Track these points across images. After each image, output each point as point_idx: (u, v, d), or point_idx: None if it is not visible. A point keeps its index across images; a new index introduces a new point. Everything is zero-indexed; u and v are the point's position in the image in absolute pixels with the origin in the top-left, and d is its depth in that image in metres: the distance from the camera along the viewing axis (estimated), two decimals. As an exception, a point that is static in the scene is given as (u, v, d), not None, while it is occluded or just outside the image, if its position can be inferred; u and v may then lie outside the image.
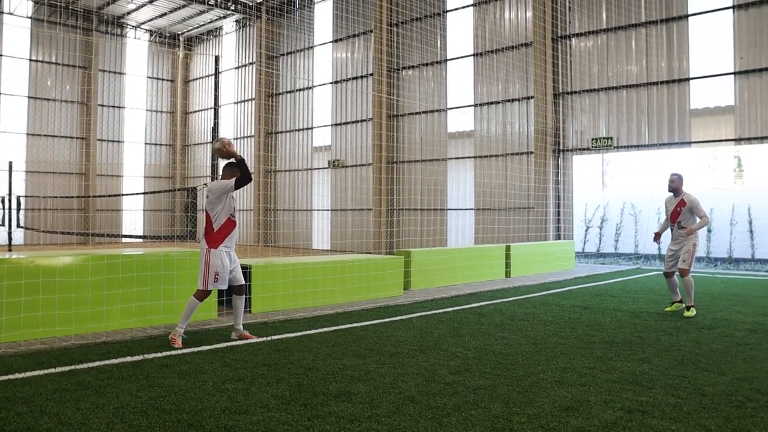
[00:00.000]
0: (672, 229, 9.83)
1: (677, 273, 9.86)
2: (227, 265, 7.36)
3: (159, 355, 6.64)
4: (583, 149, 21.64)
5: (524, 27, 22.76)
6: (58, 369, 5.97)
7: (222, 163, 7.77)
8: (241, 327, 7.64)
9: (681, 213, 9.63)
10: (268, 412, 4.71)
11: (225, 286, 7.39)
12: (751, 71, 18.41)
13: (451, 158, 25.15)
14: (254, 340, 7.47)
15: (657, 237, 10.07)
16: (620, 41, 20.85)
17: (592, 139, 21.25)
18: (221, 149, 7.39)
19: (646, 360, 6.48)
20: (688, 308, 9.53)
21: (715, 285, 13.88)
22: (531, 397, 5.12)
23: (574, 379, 5.72)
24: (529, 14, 22.42)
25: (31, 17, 30.86)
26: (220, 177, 7.60)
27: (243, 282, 7.62)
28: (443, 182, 25.10)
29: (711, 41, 19.19)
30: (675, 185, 9.69)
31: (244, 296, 7.66)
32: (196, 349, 6.94)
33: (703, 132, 19.38)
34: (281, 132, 31.96)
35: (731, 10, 18.76)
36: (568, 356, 6.66)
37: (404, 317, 9.37)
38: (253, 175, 32.30)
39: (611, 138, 20.84)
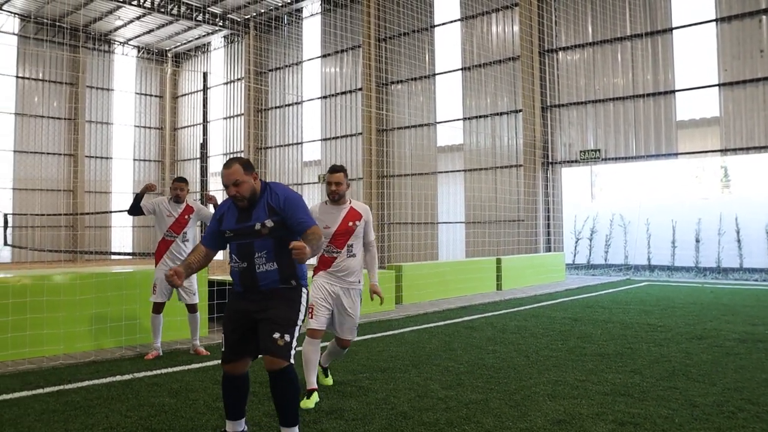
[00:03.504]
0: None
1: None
2: (164, 279, 7.38)
3: (149, 373, 6.59)
4: (572, 161, 21.75)
5: (511, 41, 22.93)
6: (47, 389, 5.91)
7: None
8: (197, 342, 7.81)
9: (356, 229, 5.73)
10: (260, 430, 4.68)
11: (161, 299, 7.48)
12: (735, 83, 18.59)
13: (441, 172, 25.21)
14: (203, 354, 7.64)
15: None
16: (606, 54, 21.02)
17: (581, 152, 21.36)
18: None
19: (638, 371, 6.48)
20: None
21: (705, 295, 13.94)
22: (523, 411, 5.11)
23: (566, 391, 5.71)
24: (516, 28, 22.58)
25: (17, 34, 30.83)
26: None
27: (190, 301, 7.69)
28: (433, 196, 25.13)
29: (695, 54, 19.38)
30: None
31: (195, 314, 7.78)
32: (186, 367, 6.90)
33: (690, 143, 19.54)
34: (271, 147, 31.95)
35: (714, 23, 18.97)
36: (560, 369, 6.66)
37: (396, 332, 9.35)
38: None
39: (599, 150, 20.97)
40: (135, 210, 7.66)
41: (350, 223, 5.66)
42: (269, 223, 4.06)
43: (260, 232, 4.04)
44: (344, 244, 5.65)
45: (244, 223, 4.10)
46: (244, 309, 4.13)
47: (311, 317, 5.49)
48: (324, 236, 5.12)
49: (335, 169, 5.69)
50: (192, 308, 7.76)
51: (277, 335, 3.97)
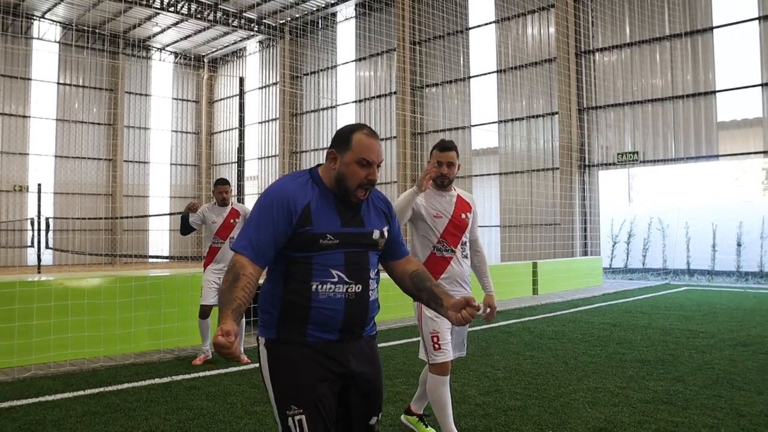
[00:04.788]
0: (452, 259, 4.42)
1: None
2: (211, 282, 7.37)
3: (187, 376, 6.64)
4: (609, 164, 21.46)
5: (547, 43, 22.72)
6: (88, 391, 5.99)
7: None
8: (240, 349, 7.57)
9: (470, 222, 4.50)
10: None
11: (205, 302, 7.35)
12: (778, 83, 18.18)
13: (476, 175, 25.07)
14: (244, 361, 7.30)
15: None
16: (644, 55, 20.71)
17: (618, 154, 21.07)
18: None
19: (680, 379, 6.34)
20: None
21: (747, 300, 13.63)
22: (563, 418, 5.03)
23: (607, 399, 5.61)
24: (552, 30, 22.38)
25: (59, 42, 31.45)
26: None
27: None
28: (468, 199, 24.97)
29: (737, 53, 18.98)
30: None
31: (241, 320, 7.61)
32: (223, 371, 6.93)
33: (731, 145, 19.14)
34: (305, 151, 32.12)
35: (757, 21, 18.57)
36: (600, 375, 6.55)
37: (431, 336, 9.28)
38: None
39: (637, 152, 20.65)
40: (186, 230, 7.56)
41: (462, 215, 4.43)
42: (386, 233, 2.78)
43: (378, 244, 2.72)
44: (458, 241, 4.37)
45: (357, 228, 2.66)
46: (334, 375, 2.60)
47: (437, 348, 4.24)
48: (434, 228, 4.31)
49: (447, 146, 4.47)
50: None
51: (374, 420, 2.75)
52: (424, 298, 2.79)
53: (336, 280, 2.56)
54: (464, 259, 4.40)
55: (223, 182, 7.58)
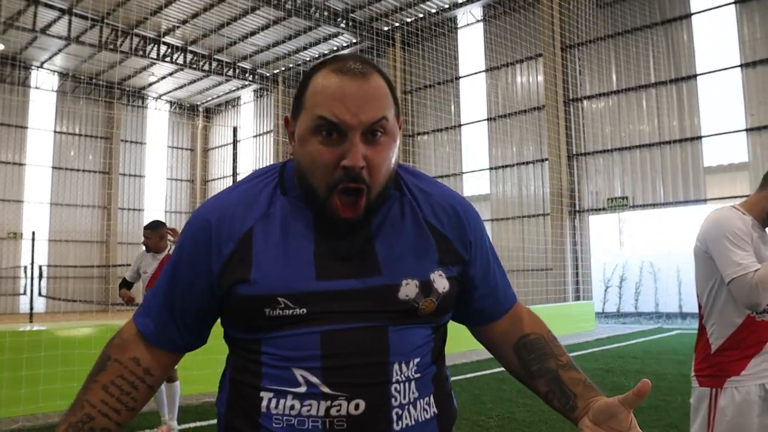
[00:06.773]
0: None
1: None
2: None
3: (180, 427, 6.60)
4: (599, 209, 21.65)
5: (536, 91, 23.09)
6: (78, 443, 5.93)
7: None
8: (174, 423, 6.27)
9: None
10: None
11: None
12: (762, 128, 18.49)
13: (468, 220, 25.15)
14: None
15: None
16: (631, 102, 21.08)
17: (608, 199, 21.27)
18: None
19: (673, 425, 6.33)
20: None
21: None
22: (553, 467, 5.04)
23: (597, 446, 5.60)
24: (541, 78, 22.77)
25: (56, 91, 31.81)
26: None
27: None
28: (460, 245, 25.03)
29: (721, 99, 19.34)
30: None
31: (173, 384, 6.18)
32: (214, 421, 6.89)
33: (719, 189, 19.37)
34: (298, 198, 32.26)
35: (739, 68, 18.98)
36: (591, 422, 6.53)
37: (423, 384, 9.25)
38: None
39: (627, 197, 20.87)
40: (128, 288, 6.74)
41: None
42: (442, 284, 1.32)
43: (418, 310, 1.27)
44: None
45: (357, 280, 1.24)
46: None
47: None
48: (747, 287, 2.57)
49: None
50: (169, 377, 6.08)
51: None
52: (541, 389, 1.49)
53: (303, 390, 1.22)
54: None
55: (146, 227, 6.53)
